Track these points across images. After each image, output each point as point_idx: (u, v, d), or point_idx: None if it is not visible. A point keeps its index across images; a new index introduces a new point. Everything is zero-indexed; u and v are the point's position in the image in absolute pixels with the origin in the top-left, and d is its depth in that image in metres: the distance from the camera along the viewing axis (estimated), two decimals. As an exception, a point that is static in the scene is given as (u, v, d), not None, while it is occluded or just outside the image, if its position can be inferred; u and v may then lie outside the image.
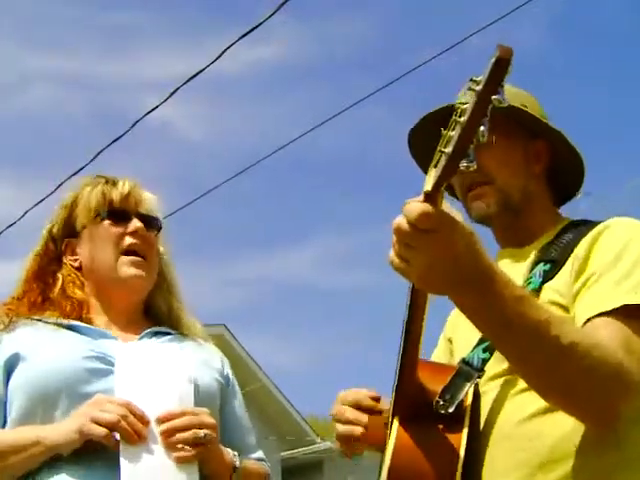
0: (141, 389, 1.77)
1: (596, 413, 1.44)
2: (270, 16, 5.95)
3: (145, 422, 1.71)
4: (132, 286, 1.97)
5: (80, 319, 1.91)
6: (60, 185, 7.95)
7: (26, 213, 8.81)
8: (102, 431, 1.67)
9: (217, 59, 6.57)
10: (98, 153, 7.59)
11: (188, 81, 6.85)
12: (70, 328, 1.88)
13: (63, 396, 1.76)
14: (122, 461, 1.68)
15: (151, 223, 2.01)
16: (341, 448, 1.67)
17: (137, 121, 7.46)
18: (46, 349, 1.81)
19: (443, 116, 1.72)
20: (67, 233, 2.01)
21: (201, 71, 6.77)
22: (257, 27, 6.09)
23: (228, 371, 2.05)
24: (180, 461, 1.72)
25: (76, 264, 1.99)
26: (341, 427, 1.64)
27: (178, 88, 7.02)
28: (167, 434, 1.73)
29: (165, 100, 7.21)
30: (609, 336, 1.45)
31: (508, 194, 1.73)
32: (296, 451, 16.69)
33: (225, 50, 6.47)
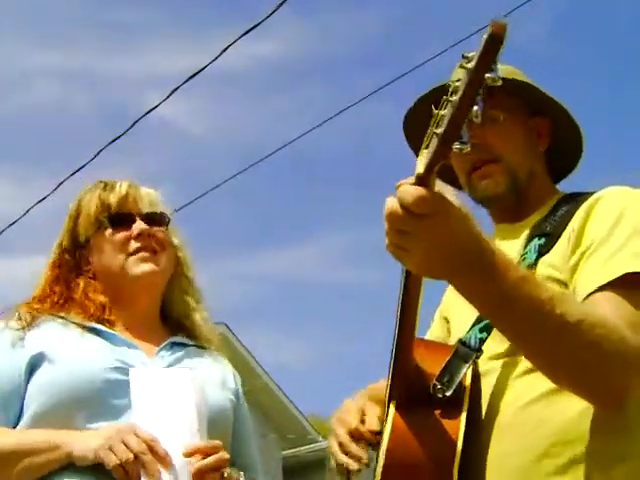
0: (158, 416, 1.75)
1: (602, 392, 1.41)
2: (273, 12, 5.93)
3: (167, 463, 1.68)
4: (145, 282, 1.93)
5: (103, 321, 1.89)
6: (61, 184, 7.98)
7: (27, 212, 8.80)
8: (113, 462, 1.64)
9: (218, 57, 6.55)
10: (99, 152, 7.58)
11: (189, 79, 6.84)
12: (94, 331, 1.85)
13: (85, 405, 1.73)
14: None
15: (156, 220, 1.97)
16: (337, 471, 1.63)
17: (137, 120, 7.46)
18: (72, 354, 1.79)
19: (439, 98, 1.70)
20: (76, 244, 1.98)
21: (203, 69, 6.76)
22: (260, 23, 6.07)
23: (238, 385, 2.04)
24: None
25: (90, 274, 1.97)
26: (340, 456, 1.60)
27: (178, 87, 7.02)
28: (199, 474, 1.70)
29: (166, 99, 7.20)
30: (612, 312, 1.42)
31: (516, 173, 1.70)
32: (297, 450, 16.67)
33: (227, 48, 6.46)
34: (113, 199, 1.94)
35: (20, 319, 1.86)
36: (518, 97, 1.72)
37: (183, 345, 1.96)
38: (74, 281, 1.96)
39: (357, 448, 1.58)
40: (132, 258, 1.91)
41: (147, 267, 1.92)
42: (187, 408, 1.78)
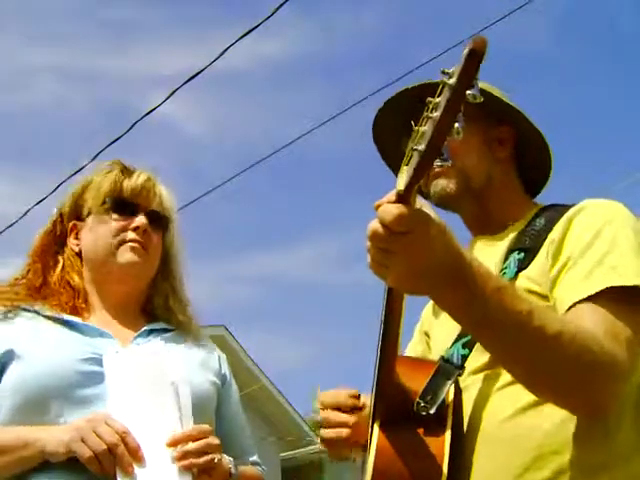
0: (137, 403, 1.74)
1: (583, 402, 1.41)
2: (275, 11, 5.90)
3: (138, 457, 1.67)
4: (127, 272, 1.93)
5: (75, 309, 1.88)
6: (60, 185, 7.96)
7: (26, 213, 8.82)
8: (87, 453, 1.63)
9: (219, 57, 6.54)
10: (97, 154, 7.57)
11: (190, 80, 6.84)
12: (67, 324, 1.85)
13: (57, 399, 1.73)
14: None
15: (158, 221, 1.98)
16: (328, 452, 1.65)
17: (135, 122, 7.46)
18: (42, 348, 1.78)
19: (407, 102, 1.69)
20: (75, 214, 1.99)
21: (203, 70, 6.75)
22: (262, 23, 6.05)
23: (225, 369, 2.02)
24: None
25: (77, 249, 1.97)
26: (327, 432, 1.62)
27: (177, 88, 7.01)
28: (180, 458, 1.70)
29: (165, 100, 7.20)
30: (593, 322, 1.42)
31: (468, 176, 1.70)
32: (296, 452, 16.68)
33: (227, 48, 6.44)
34: (127, 185, 1.96)
35: (1, 306, 1.87)
36: (479, 106, 1.71)
37: (163, 331, 1.96)
38: (55, 257, 1.96)
39: (340, 415, 1.60)
40: (124, 246, 1.92)
41: (135, 258, 1.92)
42: (166, 393, 1.76)
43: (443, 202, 1.73)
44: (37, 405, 1.73)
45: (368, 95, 7.59)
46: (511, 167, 1.77)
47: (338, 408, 1.62)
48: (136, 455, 1.66)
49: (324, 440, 1.63)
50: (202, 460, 1.71)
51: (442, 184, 1.70)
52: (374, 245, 1.26)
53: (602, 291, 1.46)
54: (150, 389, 1.76)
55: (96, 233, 1.95)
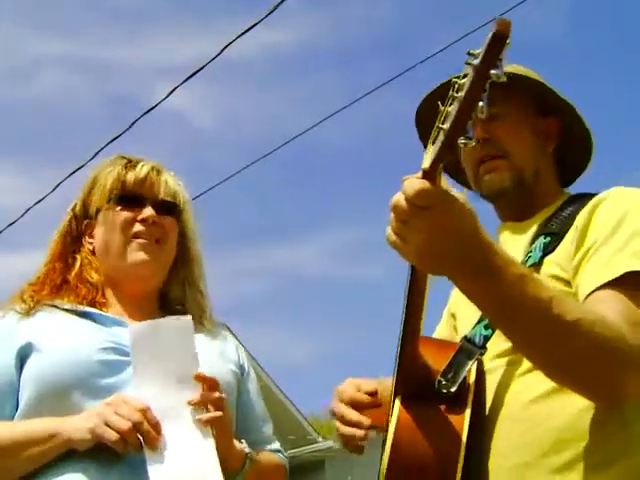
0: (160, 372, 1.74)
1: (601, 389, 1.42)
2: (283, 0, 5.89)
3: (159, 430, 1.68)
4: (139, 272, 1.93)
5: (94, 303, 1.89)
6: (59, 185, 7.98)
7: (27, 211, 8.88)
8: (114, 436, 1.64)
9: (227, 47, 6.51)
10: (99, 150, 7.57)
11: (196, 72, 6.83)
12: (85, 315, 1.86)
13: (76, 389, 1.73)
14: (149, 467, 1.66)
15: (167, 208, 1.97)
16: (343, 446, 1.66)
17: (135, 121, 7.48)
18: (60, 339, 1.78)
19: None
20: (86, 213, 1.99)
21: (211, 61, 6.74)
22: (272, 12, 6.04)
23: (243, 359, 2.03)
24: (201, 423, 1.71)
25: (92, 247, 1.98)
26: (343, 428, 1.63)
27: (179, 85, 7.03)
28: (197, 403, 1.71)
29: (168, 95, 7.21)
30: (612, 310, 1.43)
31: (522, 171, 1.72)
32: (297, 450, 16.68)
33: (237, 38, 6.43)
34: (130, 178, 1.94)
35: (25, 302, 1.88)
36: (529, 97, 1.74)
37: None
38: (73, 256, 1.97)
39: (357, 415, 1.62)
40: (133, 243, 1.92)
41: (143, 257, 1.91)
42: (189, 363, 1.75)
43: (495, 196, 1.75)
44: (56, 395, 1.73)
45: (378, 86, 7.53)
46: (553, 159, 1.80)
47: (355, 405, 1.63)
48: (158, 430, 1.68)
49: (340, 435, 1.65)
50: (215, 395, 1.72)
51: (496, 179, 1.72)
52: (395, 217, 1.27)
53: (622, 276, 1.47)
54: (174, 357, 1.76)
55: (106, 230, 1.94)
